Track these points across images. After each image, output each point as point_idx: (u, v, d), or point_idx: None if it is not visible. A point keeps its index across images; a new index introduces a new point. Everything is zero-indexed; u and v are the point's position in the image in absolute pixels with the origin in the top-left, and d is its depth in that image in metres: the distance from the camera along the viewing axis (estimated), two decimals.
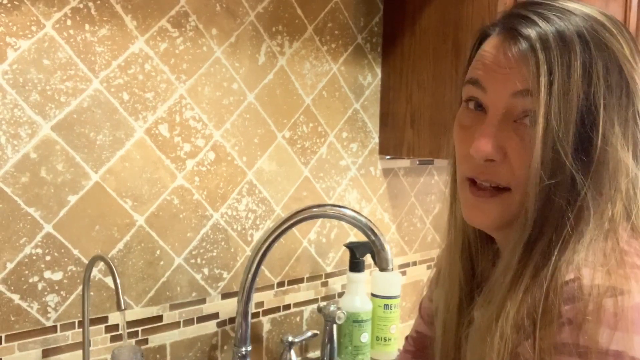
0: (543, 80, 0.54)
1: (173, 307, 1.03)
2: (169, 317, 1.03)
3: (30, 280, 0.87)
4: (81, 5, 0.88)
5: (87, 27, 0.89)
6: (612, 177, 0.56)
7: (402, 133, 1.30)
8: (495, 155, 0.58)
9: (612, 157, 0.56)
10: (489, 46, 0.60)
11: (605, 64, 0.56)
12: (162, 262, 1.01)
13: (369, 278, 1.28)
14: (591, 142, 0.55)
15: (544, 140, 0.55)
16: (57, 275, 0.89)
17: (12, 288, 0.85)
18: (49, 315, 0.89)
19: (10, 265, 0.85)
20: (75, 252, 0.91)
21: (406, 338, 0.86)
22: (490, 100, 0.59)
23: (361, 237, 1.20)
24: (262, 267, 1.02)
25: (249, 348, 1.01)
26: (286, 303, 1.21)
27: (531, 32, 0.56)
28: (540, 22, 0.57)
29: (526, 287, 0.56)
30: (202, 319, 1.07)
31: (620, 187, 0.56)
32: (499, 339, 0.56)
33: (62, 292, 0.90)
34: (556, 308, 0.52)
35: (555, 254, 0.55)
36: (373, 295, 1.26)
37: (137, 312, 0.99)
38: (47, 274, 0.88)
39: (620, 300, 0.51)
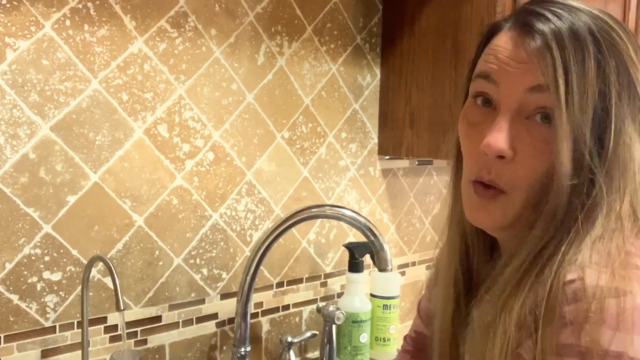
0: (561, 78, 0.54)
1: (172, 307, 1.03)
2: (168, 317, 1.03)
3: (29, 281, 0.87)
4: (80, 6, 0.88)
5: (86, 27, 0.89)
6: (622, 175, 0.56)
7: (401, 133, 1.30)
8: (507, 152, 0.56)
9: (623, 155, 0.56)
10: (502, 41, 0.59)
11: (615, 64, 0.55)
12: (161, 263, 1.01)
13: (368, 278, 1.28)
14: (605, 141, 0.55)
15: (567, 140, 0.54)
16: (56, 276, 0.89)
17: (11, 288, 0.85)
18: (48, 315, 0.89)
19: (9, 266, 0.85)
20: (75, 252, 0.91)
21: (405, 338, 0.86)
22: (503, 95, 0.58)
23: (360, 238, 1.20)
24: (261, 267, 1.02)
25: (248, 348, 1.01)
26: (285, 303, 1.21)
27: (545, 28, 0.55)
28: (553, 18, 0.56)
29: (530, 285, 0.55)
30: (201, 319, 1.07)
31: (629, 186, 0.56)
32: (502, 335, 0.55)
33: (61, 293, 0.90)
34: (558, 308, 0.52)
35: (561, 253, 0.55)
36: (372, 295, 1.26)
37: (136, 312, 0.99)
38: (46, 275, 0.88)
39: (623, 301, 0.51)
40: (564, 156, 0.54)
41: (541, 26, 0.56)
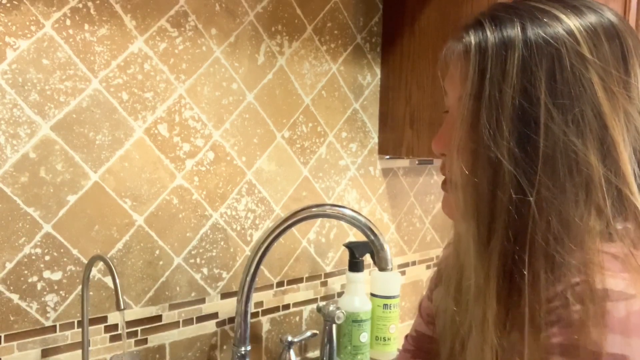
0: (471, 81, 0.57)
1: (172, 307, 1.03)
2: (168, 317, 1.03)
3: (30, 280, 0.87)
4: (80, 5, 0.88)
5: (86, 26, 0.89)
6: (569, 175, 0.54)
7: (402, 133, 1.30)
8: (440, 150, 0.64)
9: (564, 155, 0.54)
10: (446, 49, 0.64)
11: (549, 65, 0.55)
12: (161, 262, 1.01)
13: (368, 278, 1.28)
14: (534, 140, 0.54)
15: (469, 136, 0.57)
16: (57, 275, 0.89)
17: (12, 288, 0.85)
18: (48, 315, 0.89)
19: (9, 265, 0.85)
20: (75, 252, 0.91)
21: (406, 337, 0.86)
22: (447, 102, 0.65)
23: (360, 237, 1.20)
24: (262, 267, 1.02)
25: (249, 348, 1.01)
26: (285, 303, 1.21)
27: (473, 39, 0.58)
28: (488, 25, 0.58)
29: (498, 292, 0.56)
30: (202, 318, 1.07)
31: (584, 185, 0.55)
32: (489, 348, 0.56)
33: (61, 292, 0.90)
34: (562, 310, 0.52)
35: (516, 251, 0.55)
36: (372, 295, 1.26)
37: (136, 312, 0.99)
38: (47, 274, 0.88)
39: (626, 304, 0.50)
40: (463, 152, 0.58)
41: (468, 34, 0.59)
